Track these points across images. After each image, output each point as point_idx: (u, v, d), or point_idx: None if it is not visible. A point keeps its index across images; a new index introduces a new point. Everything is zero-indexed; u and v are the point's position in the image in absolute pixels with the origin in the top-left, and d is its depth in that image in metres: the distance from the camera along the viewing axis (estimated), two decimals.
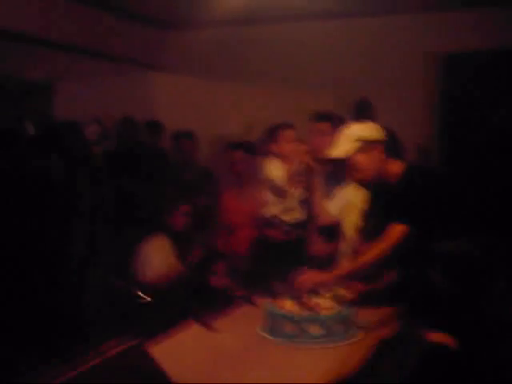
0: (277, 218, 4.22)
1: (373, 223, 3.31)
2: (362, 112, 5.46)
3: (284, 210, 4.20)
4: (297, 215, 4.20)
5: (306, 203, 4.17)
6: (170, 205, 4.12)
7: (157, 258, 3.90)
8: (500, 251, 2.88)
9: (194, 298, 3.37)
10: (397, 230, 2.94)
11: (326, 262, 3.75)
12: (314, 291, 3.01)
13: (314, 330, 2.64)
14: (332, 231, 3.84)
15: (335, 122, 4.05)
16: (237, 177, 4.62)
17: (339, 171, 3.76)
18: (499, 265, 2.70)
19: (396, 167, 3.12)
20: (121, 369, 2.41)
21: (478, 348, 2.46)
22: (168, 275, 3.85)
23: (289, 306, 2.79)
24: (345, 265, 3.38)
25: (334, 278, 3.08)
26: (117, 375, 2.35)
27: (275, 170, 4.25)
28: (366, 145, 3.05)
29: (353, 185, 3.66)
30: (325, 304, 2.80)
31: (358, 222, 3.60)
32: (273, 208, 4.25)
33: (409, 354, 2.41)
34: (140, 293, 3.45)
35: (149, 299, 3.41)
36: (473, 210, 3.10)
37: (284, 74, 6.03)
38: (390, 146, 3.14)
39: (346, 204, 3.76)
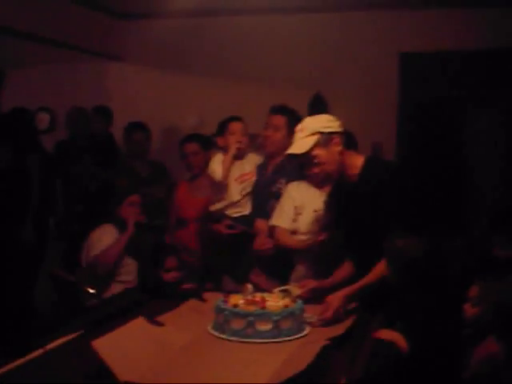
0: (220, 212, 4.17)
1: (334, 219, 3.28)
2: (316, 108, 5.45)
3: (228, 205, 4.15)
4: (241, 210, 4.15)
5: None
6: (120, 195, 4.06)
7: (103, 242, 3.84)
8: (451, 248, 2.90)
9: (142, 292, 3.29)
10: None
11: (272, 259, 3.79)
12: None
13: (262, 325, 2.61)
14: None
15: (290, 115, 4.03)
16: (189, 170, 4.57)
17: (292, 168, 3.72)
18: (451, 262, 2.71)
19: (355, 160, 3.07)
20: (62, 361, 2.37)
21: (428, 347, 2.45)
22: (113, 253, 3.80)
23: (237, 301, 2.75)
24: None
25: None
26: (57, 368, 2.31)
27: (216, 164, 4.18)
28: (324, 138, 2.97)
29: (305, 182, 3.65)
30: (272, 299, 2.77)
31: (311, 218, 3.60)
32: (217, 203, 4.19)
33: (359, 352, 2.40)
34: (85, 285, 3.43)
35: (93, 291, 3.38)
36: (426, 207, 3.08)
37: (242, 67, 5.97)
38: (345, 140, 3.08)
39: (299, 203, 3.68)
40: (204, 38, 6.04)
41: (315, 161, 2.99)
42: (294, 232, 3.68)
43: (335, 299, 2.88)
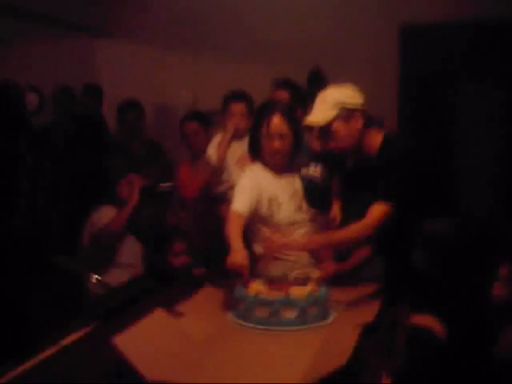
0: (224, 194, 4.02)
1: (351, 198, 3.14)
2: (315, 82, 5.29)
3: (229, 188, 4.00)
4: None
5: None
6: (117, 175, 3.92)
7: (104, 220, 3.75)
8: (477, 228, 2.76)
9: (154, 280, 3.13)
10: (380, 210, 2.75)
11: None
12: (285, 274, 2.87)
13: (287, 313, 2.48)
14: None
15: (294, 90, 3.88)
16: (190, 149, 4.41)
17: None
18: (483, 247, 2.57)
19: (375, 137, 2.92)
20: (78, 359, 2.22)
21: (464, 333, 2.32)
22: (118, 222, 3.69)
23: (258, 287, 2.60)
24: (318, 236, 3.07)
25: (303, 245, 2.98)
26: (73, 366, 2.16)
27: (213, 146, 4.03)
28: (345, 112, 2.83)
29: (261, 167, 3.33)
30: (297, 286, 2.63)
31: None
32: (219, 185, 4.04)
33: (395, 339, 2.26)
34: (87, 270, 3.27)
35: (98, 277, 3.21)
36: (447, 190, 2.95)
37: (238, 41, 5.78)
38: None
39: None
40: (196, 11, 5.85)
41: (333, 135, 2.86)
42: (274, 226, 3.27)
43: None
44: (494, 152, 5.44)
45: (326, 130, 2.87)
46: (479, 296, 2.45)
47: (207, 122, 4.40)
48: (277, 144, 3.16)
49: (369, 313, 2.54)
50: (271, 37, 5.66)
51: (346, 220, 3.04)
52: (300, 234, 3.16)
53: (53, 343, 2.28)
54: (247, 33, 5.74)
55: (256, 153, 3.30)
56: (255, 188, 3.16)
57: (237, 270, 2.67)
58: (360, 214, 2.84)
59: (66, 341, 2.33)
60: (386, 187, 2.79)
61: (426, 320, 2.37)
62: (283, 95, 3.85)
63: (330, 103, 2.84)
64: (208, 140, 4.21)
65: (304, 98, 3.95)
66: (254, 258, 3.26)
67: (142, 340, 2.18)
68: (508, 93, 5.43)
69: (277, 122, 3.16)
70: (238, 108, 4.02)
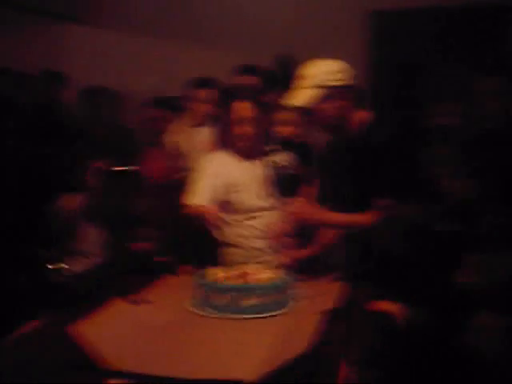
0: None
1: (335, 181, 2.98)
2: (283, 69, 5.25)
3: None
4: None
5: None
6: (82, 162, 3.86)
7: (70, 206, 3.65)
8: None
9: (114, 268, 3.09)
10: (385, 206, 2.63)
11: None
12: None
13: (246, 300, 2.45)
14: None
15: (261, 76, 3.85)
16: (154, 135, 4.36)
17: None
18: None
19: (361, 115, 2.79)
20: (38, 347, 2.18)
21: (428, 319, 2.31)
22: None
23: (217, 274, 2.57)
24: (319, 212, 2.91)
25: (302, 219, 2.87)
26: (33, 354, 2.12)
27: (173, 132, 4.03)
28: (330, 91, 2.66)
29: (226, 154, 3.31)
30: (257, 273, 2.60)
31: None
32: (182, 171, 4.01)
33: (355, 326, 2.25)
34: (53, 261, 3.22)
35: (59, 265, 3.16)
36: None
37: (205, 26, 5.72)
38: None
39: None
40: None
41: (318, 116, 2.72)
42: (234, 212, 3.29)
43: None
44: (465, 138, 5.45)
45: (308, 111, 2.72)
46: (444, 282, 2.44)
47: (171, 107, 4.34)
48: (244, 129, 3.14)
49: (330, 300, 2.53)
50: (238, 22, 5.61)
51: (334, 204, 2.92)
52: (263, 222, 3.13)
53: (11, 332, 2.23)
54: (214, 18, 5.69)
55: (223, 138, 3.26)
56: (212, 175, 3.15)
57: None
58: (352, 199, 2.78)
59: (25, 329, 2.28)
60: (392, 183, 2.66)
61: (387, 306, 2.36)
62: (248, 80, 3.80)
63: (313, 82, 2.66)
64: (171, 125, 4.17)
65: (273, 81, 3.93)
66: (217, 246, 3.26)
67: (102, 328, 2.15)
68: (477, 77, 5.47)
69: (244, 106, 3.16)
70: (202, 94, 3.98)
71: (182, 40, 5.82)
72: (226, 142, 3.24)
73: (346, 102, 2.72)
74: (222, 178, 3.17)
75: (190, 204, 3.17)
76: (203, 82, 4.07)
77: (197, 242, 3.45)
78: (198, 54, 5.65)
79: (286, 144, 3.27)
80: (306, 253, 3.02)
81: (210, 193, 3.16)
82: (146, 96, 4.90)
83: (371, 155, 2.74)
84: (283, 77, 4.97)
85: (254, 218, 3.18)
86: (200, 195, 3.16)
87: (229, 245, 3.25)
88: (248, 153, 3.22)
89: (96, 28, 6.00)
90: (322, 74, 2.67)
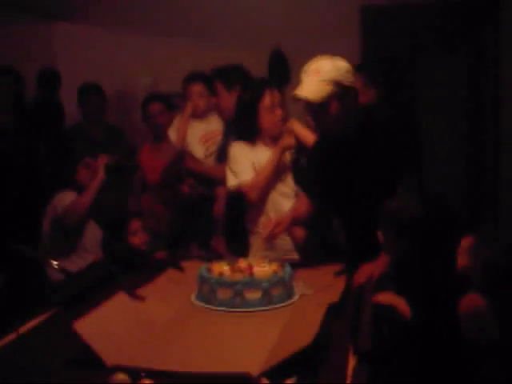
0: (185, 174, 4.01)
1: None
2: (276, 64, 5.24)
3: None
4: None
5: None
6: (76, 160, 3.84)
7: (67, 202, 3.63)
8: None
9: (112, 263, 3.07)
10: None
11: None
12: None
13: (251, 293, 2.44)
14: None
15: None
16: (154, 131, 4.36)
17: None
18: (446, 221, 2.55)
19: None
20: (37, 346, 2.16)
21: (429, 310, 2.31)
22: (84, 202, 3.63)
23: (221, 268, 2.56)
24: None
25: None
26: (33, 353, 2.10)
27: (172, 128, 4.07)
28: (341, 90, 2.63)
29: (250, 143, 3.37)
30: (262, 266, 2.59)
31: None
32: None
33: (360, 318, 2.24)
34: (51, 260, 3.19)
35: (58, 265, 3.14)
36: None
37: (196, 23, 5.67)
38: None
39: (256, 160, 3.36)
40: None
41: (324, 114, 2.68)
42: None
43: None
44: (455, 131, 5.48)
45: (316, 108, 2.69)
46: (444, 271, 2.44)
47: (169, 103, 4.35)
48: (280, 112, 3.24)
49: (334, 292, 2.52)
50: (230, 19, 5.58)
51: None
52: (287, 207, 3.22)
53: (11, 330, 2.20)
54: (205, 16, 5.64)
55: (250, 131, 3.30)
56: (244, 155, 3.27)
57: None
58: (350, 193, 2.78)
59: (25, 328, 2.26)
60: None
61: (390, 298, 2.35)
62: (197, 88, 3.91)
63: (325, 77, 2.62)
64: (170, 121, 4.17)
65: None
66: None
67: (104, 325, 2.12)
68: (469, 71, 5.50)
69: (275, 93, 3.26)
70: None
71: (174, 38, 5.77)
72: (259, 130, 3.30)
73: (352, 101, 2.72)
74: (252, 162, 3.29)
75: (236, 184, 3.28)
76: (195, 77, 4.08)
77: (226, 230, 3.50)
78: (192, 51, 5.62)
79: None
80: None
81: (252, 173, 3.26)
82: (139, 96, 4.90)
83: (367, 151, 2.76)
84: (277, 72, 5.00)
85: (280, 201, 3.28)
86: (246, 175, 3.26)
87: (257, 233, 3.29)
88: (274, 140, 3.29)
89: (89, 26, 5.95)
90: (334, 70, 2.64)
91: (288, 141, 3.22)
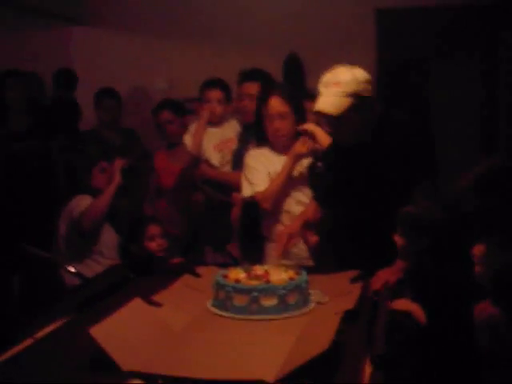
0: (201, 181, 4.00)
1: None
2: (292, 68, 5.24)
3: None
4: None
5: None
6: (91, 164, 3.85)
7: (83, 206, 3.63)
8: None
9: (128, 268, 3.06)
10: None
11: None
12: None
13: (267, 300, 2.43)
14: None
15: (263, 80, 3.84)
16: (165, 139, 4.37)
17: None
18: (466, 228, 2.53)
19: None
20: (53, 351, 2.16)
21: (444, 317, 2.29)
22: (101, 205, 3.62)
23: (238, 275, 2.55)
24: None
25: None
26: (49, 358, 2.10)
27: (189, 134, 4.06)
28: (360, 101, 2.61)
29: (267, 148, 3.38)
30: (279, 273, 2.58)
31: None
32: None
33: (375, 325, 2.23)
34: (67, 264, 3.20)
35: (73, 270, 3.14)
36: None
37: (213, 28, 5.69)
38: None
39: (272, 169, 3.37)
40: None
41: (342, 126, 2.69)
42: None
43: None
44: (469, 135, 5.46)
45: (334, 120, 2.67)
46: (460, 277, 2.42)
47: (181, 110, 4.35)
48: (277, 124, 3.20)
49: (350, 299, 2.50)
50: (246, 23, 5.59)
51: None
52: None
53: (28, 335, 2.21)
54: (221, 21, 5.67)
55: (260, 136, 3.33)
56: (260, 164, 3.28)
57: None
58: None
59: (41, 333, 2.26)
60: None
61: (406, 304, 2.34)
62: (253, 88, 3.79)
63: (345, 89, 2.60)
64: (183, 128, 4.18)
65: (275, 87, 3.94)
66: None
67: (120, 330, 2.12)
68: (483, 75, 5.48)
69: (275, 102, 3.21)
70: (213, 95, 4.01)
71: (191, 42, 5.79)
72: (267, 138, 3.31)
73: (372, 111, 2.71)
74: (269, 171, 3.30)
75: (250, 195, 3.29)
76: (213, 83, 4.08)
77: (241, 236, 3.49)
78: (208, 56, 5.64)
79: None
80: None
81: (267, 183, 3.28)
82: (154, 100, 4.91)
83: (381, 155, 2.76)
84: (292, 77, 5.00)
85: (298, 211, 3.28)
86: (262, 185, 3.28)
87: (273, 241, 3.30)
88: (286, 147, 3.29)
89: (106, 30, 5.98)
90: (354, 82, 2.62)
91: (300, 149, 3.20)
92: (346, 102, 2.60)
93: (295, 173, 3.30)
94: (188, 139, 4.04)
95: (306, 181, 3.28)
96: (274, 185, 3.25)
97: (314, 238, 3.12)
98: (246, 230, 3.17)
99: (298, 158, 3.23)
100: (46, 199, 4.49)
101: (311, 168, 3.23)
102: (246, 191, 3.33)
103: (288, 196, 3.32)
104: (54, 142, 4.91)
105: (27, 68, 5.17)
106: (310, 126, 3.16)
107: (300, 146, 3.20)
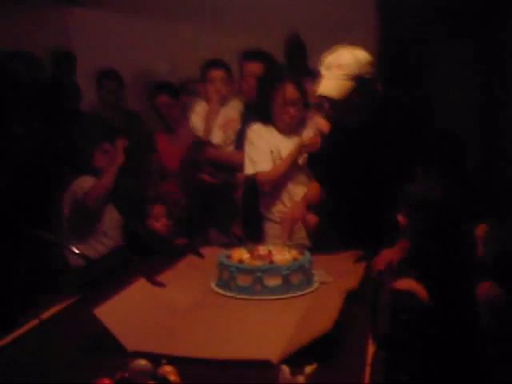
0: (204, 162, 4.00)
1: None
2: (294, 49, 5.21)
3: None
4: None
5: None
6: (92, 146, 3.83)
7: (86, 187, 3.62)
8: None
9: (132, 250, 3.07)
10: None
11: None
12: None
13: (271, 280, 2.44)
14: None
15: (266, 60, 3.83)
16: (164, 122, 4.35)
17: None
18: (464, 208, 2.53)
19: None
20: (58, 332, 2.18)
21: (446, 296, 2.30)
22: (104, 184, 3.61)
23: (241, 255, 2.56)
24: None
25: None
26: (54, 339, 2.11)
27: (197, 116, 4.05)
28: (363, 83, 2.60)
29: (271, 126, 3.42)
30: (282, 253, 2.58)
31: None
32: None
33: (379, 305, 2.24)
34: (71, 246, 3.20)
35: (77, 251, 3.14)
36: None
37: (215, 9, 5.67)
38: None
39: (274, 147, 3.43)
40: None
41: (344, 105, 2.66)
42: None
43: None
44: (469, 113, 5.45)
45: (337, 103, 2.66)
46: (463, 256, 2.43)
47: (176, 92, 4.33)
48: (292, 111, 3.29)
49: (353, 279, 2.51)
50: (248, 5, 5.55)
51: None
52: (302, 194, 3.26)
53: (32, 317, 2.22)
54: (223, 2, 5.64)
55: (265, 116, 3.39)
56: (262, 141, 3.35)
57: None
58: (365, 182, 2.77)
59: (45, 314, 2.27)
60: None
61: (409, 284, 2.35)
62: (256, 67, 3.78)
63: (347, 71, 2.59)
64: (181, 110, 4.16)
65: (277, 69, 3.94)
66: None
67: (124, 310, 2.13)
68: (483, 54, 5.45)
69: (290, 89, 3.28)
70: (217, 74, 4.00)
71: (192, 23, 5.76)
72: (274, 121, 3.36)
73: (370, 95, 2.70)
74: (271, 149, 3.36)
75: (252, 173, 3.40)
76: (216, 63, 4.06)
77: (242, 216, 3.53)
78: (210, 38, 5.60)
79: None
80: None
81: (269, 162, 3.35)
82: (155, 80, 4.89)
83: (381, 136, 2.76)
84: (294, 60, 4.98)
85: (295, 189, 3.35)
86: (264, 163, 3.35)
87: (271, 220, 3.38)
88: (291, 129, 3.37)
89: (105, 11, 5.94)
90: (355, 64, 2.61)
91: (309, 142, 3.27)
92: (348, 85, 2.60)
93: (300, 161, 3.36)
94: (196, 121, 4.02)
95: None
96: (276, 171, 3.33)
97: (313, 219, 3.12)
98: (246, 208, 3.20)
99: (304, 149, 3.28)
100: (46, 181, 4.48)
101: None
102: (248, 169, 3.41)
103: (289, 177, 3.35)
104: (54, 123, 4.89)
105: (26, 49, 5.15)
106: (324, 126, 3.16)
107: (310, 140, 3.27)
